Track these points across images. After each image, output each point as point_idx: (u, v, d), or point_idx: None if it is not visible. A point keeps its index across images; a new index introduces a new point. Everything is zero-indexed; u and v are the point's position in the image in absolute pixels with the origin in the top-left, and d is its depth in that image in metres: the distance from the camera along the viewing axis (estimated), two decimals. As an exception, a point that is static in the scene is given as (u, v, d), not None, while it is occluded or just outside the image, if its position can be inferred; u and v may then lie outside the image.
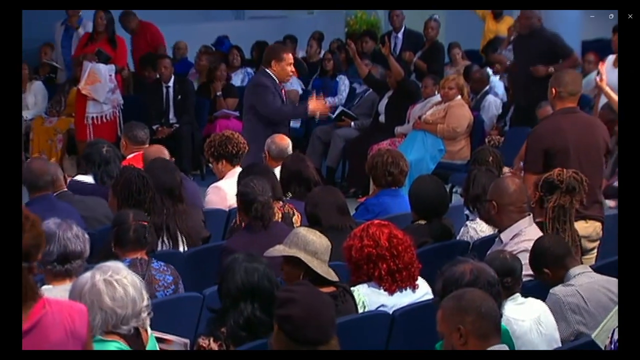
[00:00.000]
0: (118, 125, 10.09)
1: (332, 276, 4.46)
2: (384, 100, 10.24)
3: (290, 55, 7.89)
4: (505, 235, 5.11)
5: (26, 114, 10.90)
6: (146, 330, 3.61)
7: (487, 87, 10.62)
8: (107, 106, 10.10)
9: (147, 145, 7.51)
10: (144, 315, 3.54)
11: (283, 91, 7.91)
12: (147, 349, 3.59)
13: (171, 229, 5.70)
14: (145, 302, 3.53)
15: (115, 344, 3.48)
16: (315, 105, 7.97)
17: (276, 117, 7.72)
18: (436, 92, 9.78)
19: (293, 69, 7.96)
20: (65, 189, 6.30)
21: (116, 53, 10.16)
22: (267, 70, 7.79)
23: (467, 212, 6.20)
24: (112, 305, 3.46)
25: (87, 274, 3.52)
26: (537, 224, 5.19)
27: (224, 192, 6.59)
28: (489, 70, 11.12)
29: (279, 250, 4.50)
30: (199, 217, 5.99)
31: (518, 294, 4.37)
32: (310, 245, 4.44)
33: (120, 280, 3.49)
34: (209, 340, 4.00)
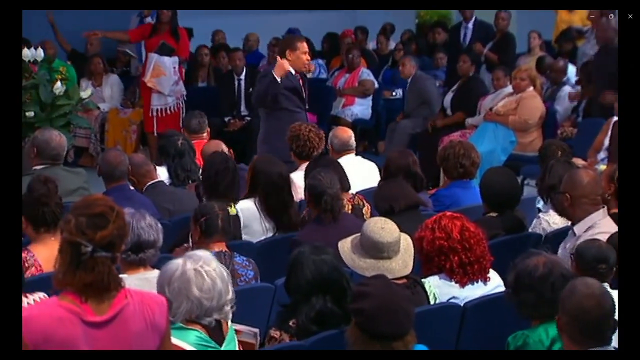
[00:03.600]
0: (181, 116, 10.12)
1: (405, 270, 4.45)
2: (449, 95, 10.23)
3: (305, 44, 7.75)
4: (578, 228, 5.04)
5: (103, 106, 11.06)
6: (227, 322, 3.64)
7: (565, 78, 10.48)
8: (171, 98, 10.16)
9: (203, 134, 7.56)
10: (227, 308, 3.58)
11: (301, 80, 7.75)
12: (227, 340, 3.62)
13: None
14: (230, 296, 3.57)
15: (195, 333, 3.53)
16: (279, 69, 7.50)
17: (256, 100, 7.70)
18: (508, 83, 9.69)
19: (308, 57, 7.83)
20: (159, 179, 6.39)
21: (179, 45, 10.19)
22: None
23: (540, 204, 6.14)
24: (199, 296, 3.50)
25: (178, 261, 3.56)
26: (611, 215, 5.12)
27: (295, 184, 6.62)
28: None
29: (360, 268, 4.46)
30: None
31: (607, 284, 4.32)
32: (379, 247, 4.43)
33: (210, 272, 3.53)
34: (280, 332, 4.03)
